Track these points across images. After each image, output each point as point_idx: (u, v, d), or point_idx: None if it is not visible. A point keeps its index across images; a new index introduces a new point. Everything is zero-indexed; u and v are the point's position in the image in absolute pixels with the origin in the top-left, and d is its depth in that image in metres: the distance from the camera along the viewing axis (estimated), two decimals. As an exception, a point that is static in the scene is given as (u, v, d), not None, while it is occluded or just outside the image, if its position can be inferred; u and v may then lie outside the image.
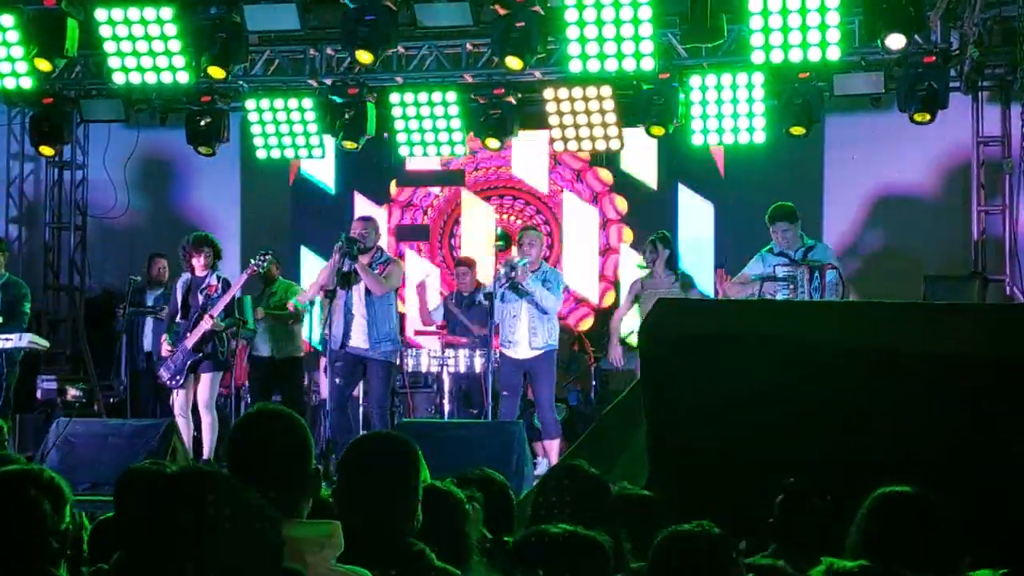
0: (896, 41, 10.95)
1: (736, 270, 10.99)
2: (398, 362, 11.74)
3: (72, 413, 11.75)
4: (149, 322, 13.23)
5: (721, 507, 5.19)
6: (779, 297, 10.11)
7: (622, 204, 14.96)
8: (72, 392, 12.48)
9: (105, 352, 13.83)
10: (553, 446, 11.30)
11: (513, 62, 11.64)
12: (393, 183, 15.34)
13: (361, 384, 11.38)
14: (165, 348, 11.13)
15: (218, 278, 11.14)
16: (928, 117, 12.15)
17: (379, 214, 14.40)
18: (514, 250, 11.75)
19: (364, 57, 11.84)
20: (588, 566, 3.38)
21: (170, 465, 4.64)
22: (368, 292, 10.96)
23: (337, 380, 11.02)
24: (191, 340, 10.94)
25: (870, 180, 14.01)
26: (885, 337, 6.43)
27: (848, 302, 9.89)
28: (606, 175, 14.95)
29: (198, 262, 11.10)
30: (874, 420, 6.12)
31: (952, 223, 13.79)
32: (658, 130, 12.85)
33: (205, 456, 10.96)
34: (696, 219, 14.64)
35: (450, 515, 4.11)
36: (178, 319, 11.17)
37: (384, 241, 14.38)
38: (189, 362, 10.98)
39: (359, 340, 10.99)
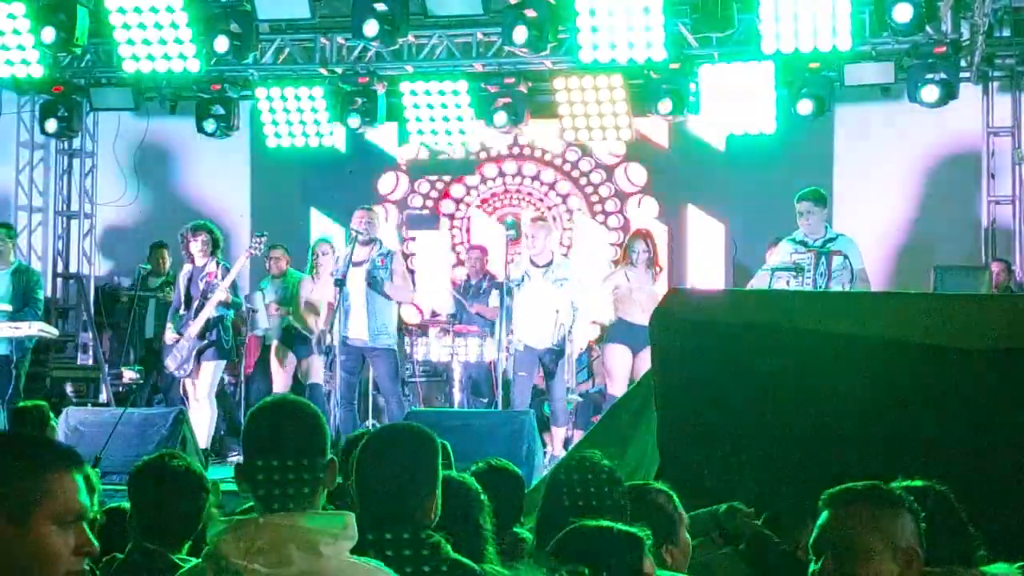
0: (903, 12, 10.85)
1: (747, 260, 11.02)
2: (404, 349, 11.76)
3: (87, 400, 11.79)
4: (151, 309, 13.20)
5: (732, 498, 5.21)
6: (789, 285, 10.11)
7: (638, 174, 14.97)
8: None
9: (113, 340, 13.85)
10: (559, 434, 11.30)
11: (520, 34, 11.52)
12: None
13: (371, 376, 11.41)
14: (170, 335, 11.15)
15: (218, 264, 11.16)
16: (936, 94, 12.10)
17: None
18: (523, 240, 11.74)
19: (370, 30, 11.69)
20: (628, 559, 3.40)
21: (181, 454, 4.64)
22: (368, 285, 10.98)
23: (343, 373, 11.06)
24: (195, 327, 10.96)
25: (880, 170, 13.99)
26: (895, 327, 6.41)
27: (858, 292, 9.87)
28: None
29: (196, 249, 11.12)
30: (886, 411, 6.11)
31: (962, 213, 13.78)
32: (665, 106, 12.83)
33: (203, 444, 10.96)
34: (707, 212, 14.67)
35: (466, 506, 4.11)
36: (181, 310, 11.19)
37: (392, 229, 14.44)
38: (195, 349, 11.00)
39: (359, 332, 11.01)
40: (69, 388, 13.45)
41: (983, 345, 6.09)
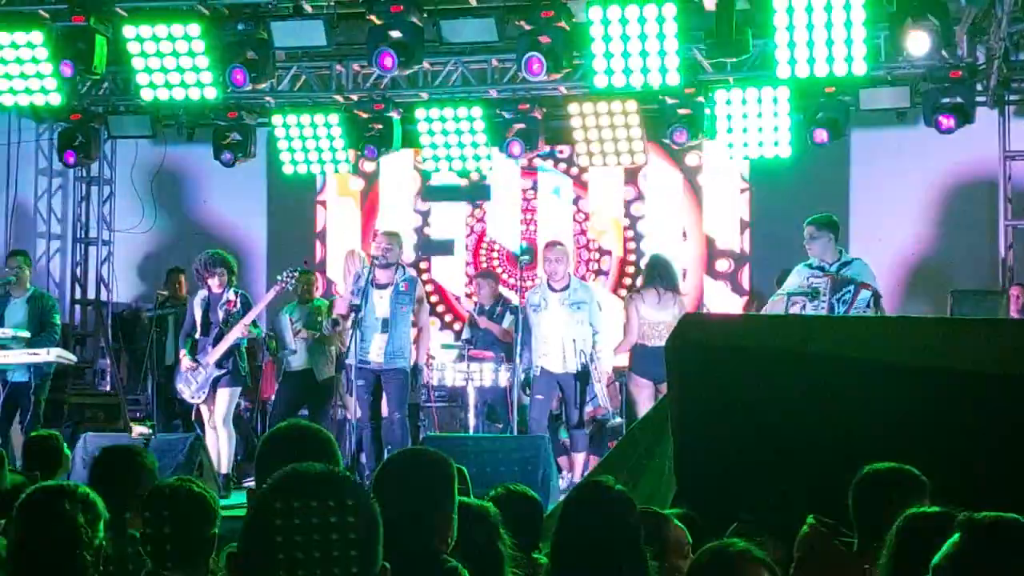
0: (917, 43, 10.82)
1: (762, 283, 11.01)
2: (418, 375, 11.75)
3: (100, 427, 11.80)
4: (170, 335, 13.22)
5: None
6: (805, 310, 10.10)
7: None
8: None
9: (131, 366, 13.89)
10: (578, 459, 11.30)
11: (535, 65, 11.55)
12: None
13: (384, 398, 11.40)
14: (185, 363, 11.14)
15: (236, 293, 11.17)
16: (952, 123, 12.11)
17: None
18: (539, 267, 11.77)
19: (388, 62, 11.74)
20: None
21: (197, 480, 4.65)
22: (391, 311, 10.99)
23: (360, 396, 11.05)
24: (214, 355, 10.96)
25: (896, 195, 13.98)
26: (910, 352, 6.41)
27: (872, 317, 9.85)
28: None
29: (213, 282, 11.13)
30: (902, 437, 6.10)
31: (979, 238, 13.76)
32: (680, 136, 12.88)
33: (224, 470, 10.97)
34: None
35: (483, 532, 4.10)
36: (197, 335, 11.19)
37: (410, 246, 14.46)
38: (212, 377, 11.01)
39: (376, 355, 11.00)
40: (87, 414, 13.48)
41: (999, 369, 6.08)
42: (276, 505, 2.30)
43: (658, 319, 11.32)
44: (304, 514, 2.29)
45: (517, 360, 11.36)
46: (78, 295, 15.78)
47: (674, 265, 12.10)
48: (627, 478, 6.55)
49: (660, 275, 11.73)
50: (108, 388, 14.15)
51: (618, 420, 11.60)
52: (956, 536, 2.93)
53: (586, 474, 11.10)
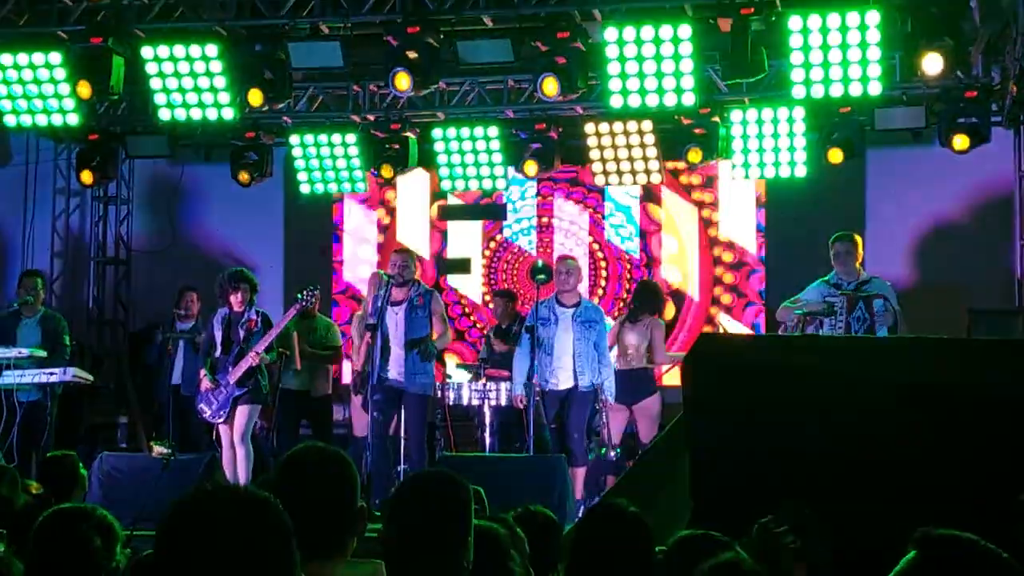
0: (932, 65, 10.83)
1: (777, 303, 11.01)
2: (435, 395, 11.74)
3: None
4: (179, 354, 13.20)
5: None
6: (823, 327, 10.11)
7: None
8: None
9: (147, 386, 13.91)
10: (579, 474, 11.22)
11: (549, 86, 11.59)
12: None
13: (401, 418, 11.38)
14: (205, 383, 11.12)
15: (257, 312, 11.17)
16: (967, 141, 12.11)
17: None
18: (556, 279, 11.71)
19: (402, 83, 11.78)
20: None
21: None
22: (406, 326, 10.97)
23: (376, 414, 11.00)
24: (235, 375, 10.95)
25: (912, 214, 13.97)
26: (925, 372, 6.42)
27: (888, 337, 9.84)
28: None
29: (235, 298, 11.11)
30: (917, 456, 6.10)
31: (995, 257, 13.74)
32: (695, 155, 12.90)
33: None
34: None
35: (499, 554, 4.09)
36: (217, 354, 11.19)
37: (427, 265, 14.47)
38: (232, 396, 11.00)
39: (396, 373, 10.97)
40: (104, 434, 13.50)
41: (1014, 390, 6.08)
42: (184, 525, 2.29)
43: (627, 342, 11.62)
44: (212, 535, 2.28)
45: (517, 372, 11.38)
46: (95, 315, 15.81)
47: (659, 289, 12.61)
48: (643, 498, 6.54)
49: (641, 299, 11.95)
50: (125, 408, 14.16)
51: (612, 455, 11.55)
52: (912, 553, 2.88)
53: (589, 492, 11.15)
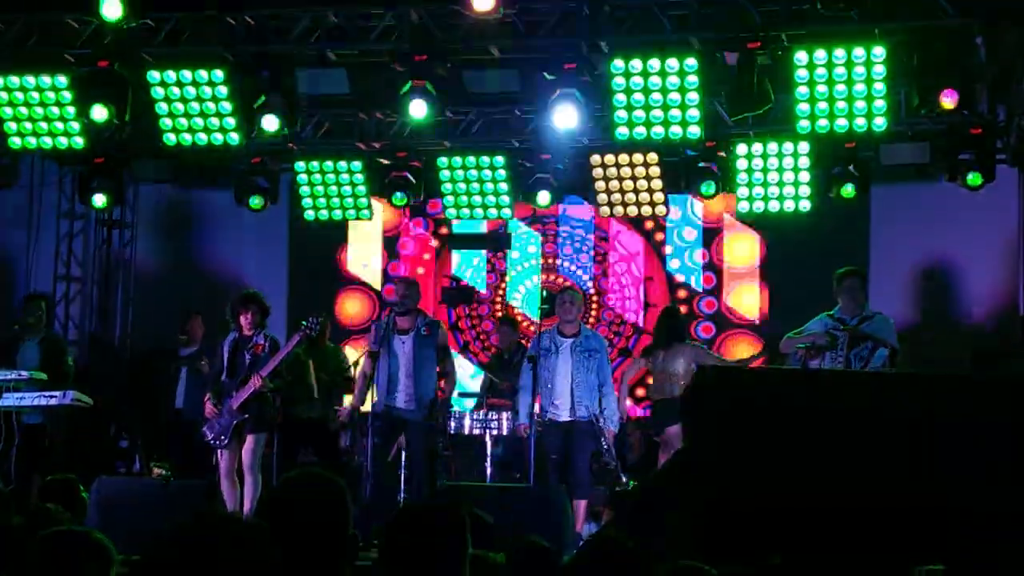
0: (950, 99, 10.82)
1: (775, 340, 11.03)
2: (439, 424, 11.71)
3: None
4: (182, 379, 13.18)
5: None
6: (824, 361, 10.10)
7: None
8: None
9: (149, 409, 13.87)
10: (580, 506, 11.17)
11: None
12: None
13: (404, 447, 11.34)
14: (209, 408, 11.05)
15: (265, 337, 11.09)
16: (979, 178, 12.12)
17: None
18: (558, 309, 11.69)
19: (418, 111, 11.76)
20: None
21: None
22: (414, 355, 10.94)
23: (376, 440, 10.97)
24: (237, 400, 10.88)
25: (916, 250, 13.95)
26: (922, 409, 6.42)
27: (888, 373, 9.82)
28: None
29: (245, 320, 11.04)
30: (916, 493, 6.09)
31: (999, 294, 13.70)
32: (708, 191, 12.94)
33: (247, 517, 10.90)
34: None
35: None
36: (223, 378, 11.12)
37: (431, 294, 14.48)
38: (235, 422, 10.91)
39: (402, 402, 10.94)
40: (102, 458, 13.46)
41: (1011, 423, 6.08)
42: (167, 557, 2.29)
43: (673, 370, 11.66)
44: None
45: (521, 404, 11.35)
46: (97, 338, 15.78)
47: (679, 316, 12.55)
48: (644, 530, 6.53)
49: (665, 327, 12.02)
50: (124, 432, 14.13)
51: (624, 478, 11.50)
52: None
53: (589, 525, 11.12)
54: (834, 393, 6.86)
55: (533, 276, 15.24)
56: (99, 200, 14.06)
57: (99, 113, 11.81)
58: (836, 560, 5.23)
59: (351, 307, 15.49)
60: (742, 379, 8.19)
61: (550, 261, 15.15)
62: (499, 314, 14.92)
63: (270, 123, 11.90)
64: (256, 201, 13.87)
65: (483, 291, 15.32)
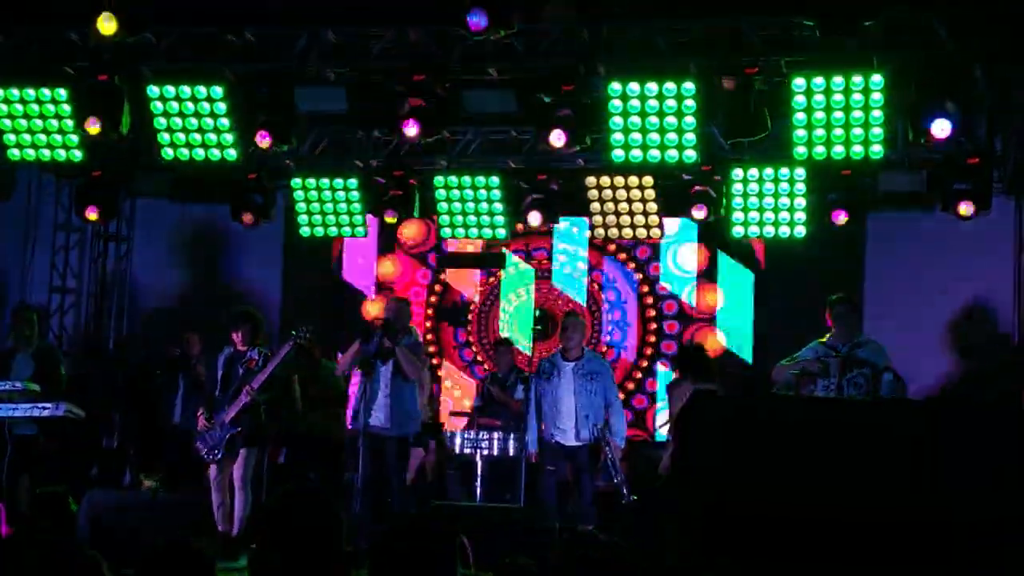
0: (942, 128, 10.84)
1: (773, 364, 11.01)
2: (422, 443, 11.70)
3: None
4: (180, 394, 13.20)
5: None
6: (816, 387, 10.10)
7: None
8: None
9: (143, 422, 13.86)
10: (586, 533, 11.20)
11: (556, 136, 11.57)
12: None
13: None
14: (202, 422, 11.05)
15: (259, 352, 11.10)
16: (969, 208, 12.14)
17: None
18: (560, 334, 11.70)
19: (411, 131, 11.79)
20: None
21: (196, 539, 4.62)
22: (394, 374, 10.93)
23: (366, 460, 10.97)
24: (229, 414, 10.89)
25: (911, 278, 13.96)
26: (913, 435, 6.46)
27: (874, 400, 9.83)
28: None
29: (237, 337, 11.06)
30: (909, 514, 6.12)
31: (994, 323, 13.72)
32: (697, 210, 12.94)
33: (235, 532, 10.87)
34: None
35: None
36: (216, 392, 11.13)
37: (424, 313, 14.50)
38: (227, 436, 10.90)
39: (380, 419, 10.92)
40: (94, 470, 13.44)
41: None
42: None
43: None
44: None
45: (529, 430, 11.30)
46: (92, 350, 15.77)
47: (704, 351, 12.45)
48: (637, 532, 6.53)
49: (681, 364, 12.05)
50: (116, 445, 14.11)
51: (627, 492, 11.49)
52: None
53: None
54: (825, 418, 6.89)
55: (520, 289, 15.30)
56: (91, 213, 14.03)
57: (92, 125, 11.83)
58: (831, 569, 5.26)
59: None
60: (735, 404, 8.22)
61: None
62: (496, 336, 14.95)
63: (262, 140, 11.93)
64: (253, 217, 13.88)
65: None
